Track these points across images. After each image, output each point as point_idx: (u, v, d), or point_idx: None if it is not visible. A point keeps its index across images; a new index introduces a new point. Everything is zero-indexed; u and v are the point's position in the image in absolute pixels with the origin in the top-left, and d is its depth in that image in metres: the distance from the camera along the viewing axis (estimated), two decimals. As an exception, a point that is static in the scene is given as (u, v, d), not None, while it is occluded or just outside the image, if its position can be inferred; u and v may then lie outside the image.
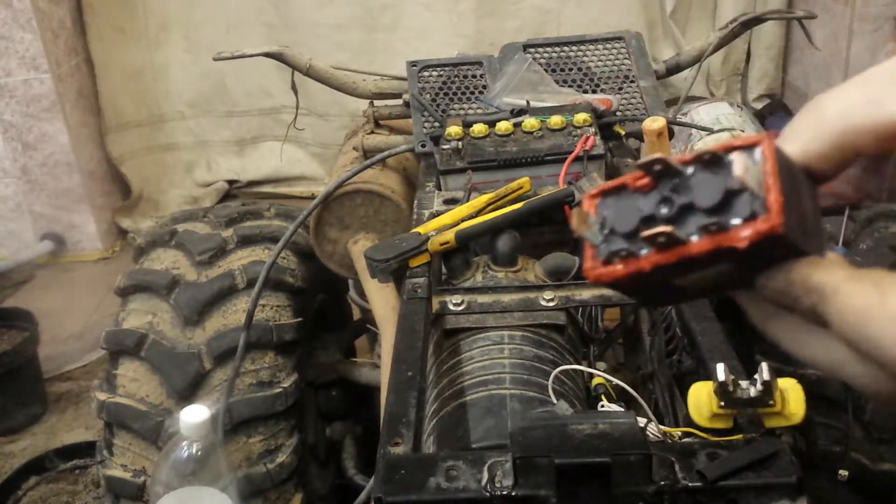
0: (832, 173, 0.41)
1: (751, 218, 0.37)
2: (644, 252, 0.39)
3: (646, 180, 0.39)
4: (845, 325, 0.37)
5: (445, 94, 1.58)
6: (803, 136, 0.40)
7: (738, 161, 0.37)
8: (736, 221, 0.37)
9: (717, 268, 0.39)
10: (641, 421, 0.72)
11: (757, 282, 0.40)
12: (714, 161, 0.38)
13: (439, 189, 1.36)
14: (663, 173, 0.39)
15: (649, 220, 0.39)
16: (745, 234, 0.36)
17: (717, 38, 1.69)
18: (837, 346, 0.39)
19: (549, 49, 1.65)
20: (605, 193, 0.41)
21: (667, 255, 0.38)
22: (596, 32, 1.69)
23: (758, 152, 0.37)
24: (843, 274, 0.38)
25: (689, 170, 0.39)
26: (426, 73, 1.61)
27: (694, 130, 2.55)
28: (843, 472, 1.23)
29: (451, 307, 1.05)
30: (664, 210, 0.39)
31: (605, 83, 1.57)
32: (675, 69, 1.73)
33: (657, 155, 0.39)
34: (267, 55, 1.65)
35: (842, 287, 0.37)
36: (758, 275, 0.40)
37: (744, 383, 0.70)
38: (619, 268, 0.40)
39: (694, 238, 0.38)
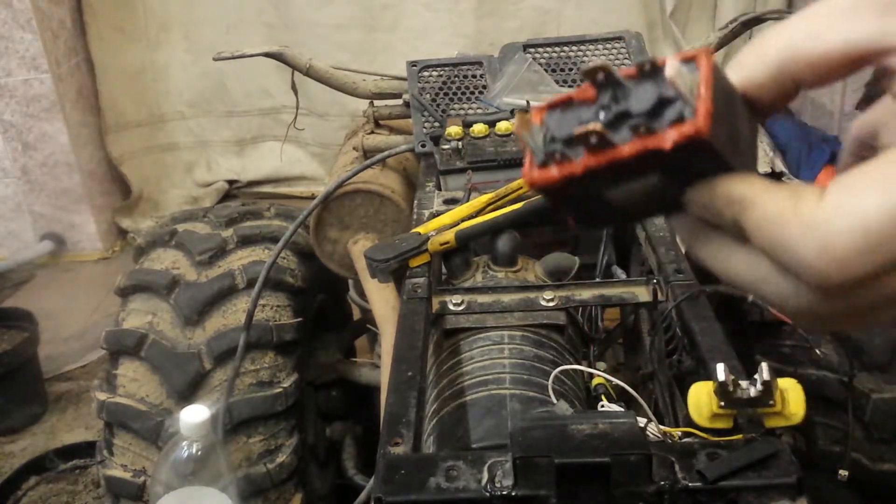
0: (771, 103, 0.42)
1: (679, 122, 0.38)
2: (578, 157, 0.40)
3: (590, 93, 0.41)
4: (762, 233, 0.37)
5: (445, 94, 1.58)
6: (745, 66, 0.41)
7: (671, 67, 0.38)
8: (665, 126, 0.38)
9: (647, 179, 0.40)
10: (641, 421, 0.72)
11: (684, 197, 0.41)
12: (654, 72, 0.39)
13: (439, 189, 1.36)
14: (605, 83, 0.40)
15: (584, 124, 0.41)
16: (670, 136, 0.37)
17: (717, 38, 1.69)
18: (760, 261, 0.39)
19: (549, 49, 1.65)
20: (551, 106, 0.42)
21: (597, 158, 0.39)
22: (596, 32, 1.69)
23: (694, 65, 0.39)
24: (762, 185, 0.38)
25: (631, 82, 0.40)
26: (426, 73, 1.61)
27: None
28: (843, 472, 1.23)
29: (451, 307, 1.05)
30: (601, 116, 0.40)
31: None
32: (675, 69, 1.73)
33: (600, 62, 0.40)
34: (267, 55, 1.65)
35: (759, 196, 0.38)
36: (685, 191, 0.41)
37: (744, 383, 0.70)
38: (552, 171, 0.40)
39: (624, 141, 0.39)
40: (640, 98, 0.39)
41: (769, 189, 0.38)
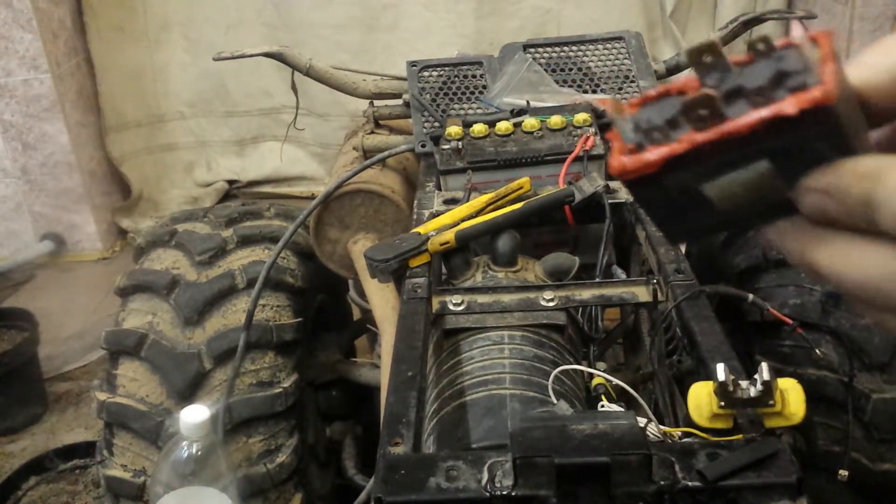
0: (889, 112, 0.38)
1: (801, 89, 0.33)
2: (680, 135, 0.35)
3: (693, 83, 0.36)
4: (885, 196, 0.33)
5: (445, 94, 1.58)
6: (867, 65, 0.37)
7: (797, 37, 0.35)
8: (786, 94, 0.34)
9: (756, 166, 0.35)
10: (641, 421, 0.72)
11: (801, 185, 0.36)
12: (769, 51, 0.35)
13: (439, 189, 1.36)
14: (712, 66, 0.36)
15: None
16: (795, 101, 0.33)
17: (717, 38, 1.69)
18: (890, 253, 0.35)
19: (549, 49, 1.65)
20: (647, 99, 0.37)
21: (707, 133, 0.34)
22: (596, 32, 1.69)
23: (815, 43, 0.35)
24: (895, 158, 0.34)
25: (741, 66, 0.36)
26: (426, 73, 1.61)
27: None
28: (843, 472, 1.23)
29: (451, 307, 1.05)
30: (715, 88, 0.35)
31: (605, 83, 1.58)
32: (675, 69, 1.73)
33: (708, 40, 0.36)
34: (267, 55, 1.65)
35: (881, 162, 0.33)
36: (797, 182, 0.36)
37: (744, 383, 0.70)
38: (650, 154, 0.35)
39: (737, 114, 0.34)
40: (756, 73, 0.35)
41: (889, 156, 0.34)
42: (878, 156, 0.35)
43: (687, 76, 0.37)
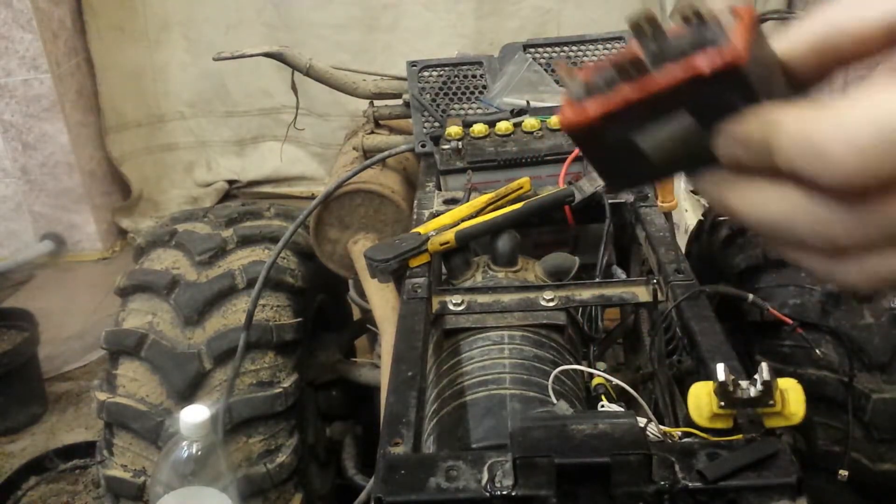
0: (810, 76, 0.42)
1: (715, 50, 0.38)
2: (615, 90, 0.40)
3: (634, 50, 0.41)
4: (793, 142, 0.37)
5: (445, 94, 1.58)
6: (788, 36, 0.41)
7: (716, 4, 0.40)
8: (700, 55, 0.38)
9: (679, 120, 0.40)
10: (641, 421, 0.72)
11: (716, 133, 0.40)
12: (698, 20, 0.39)
13: (439, 189, 1.36)
14: (650, 34, 0.40)
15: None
16: (707, 61, 0.37)
17: (653, 11, 1.69)
18: (791, 194, 0.39)
19: (549, 49, 1.65)
20: (596, 68, 0.42)
21: (635, 88, 0.39)
22: (596, 32, 1.69)
23: (734, 15, 0.39)
24: (795, 106, 0.38)
25: (673, 34, 0.40)
26: (426, 73, 1.61)
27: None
28: (843, 472, 1.23)
29: (451, 307, 1.05)
30: (646, 52, 0.40)
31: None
32: (675, 69, 1.73)
33: (647, 12, 0.40)
34: (267, 55, 1.65)
35: (791, 112, 0.37)
36: (712, 128, 0.40)
37: (744, 383, 0.70)
38: (589, 107, 0.40)
39: (659, 71, 0.39)
40: (682, 39, 0.39)
41: (801, 105, 0.38)
42: (779, 105, 0.38)
43: (629, 45, 0.41)
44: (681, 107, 0.39)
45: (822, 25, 0.40)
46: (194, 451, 1.11)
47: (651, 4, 3.30)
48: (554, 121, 1.34)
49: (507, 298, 1.06)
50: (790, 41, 0.41)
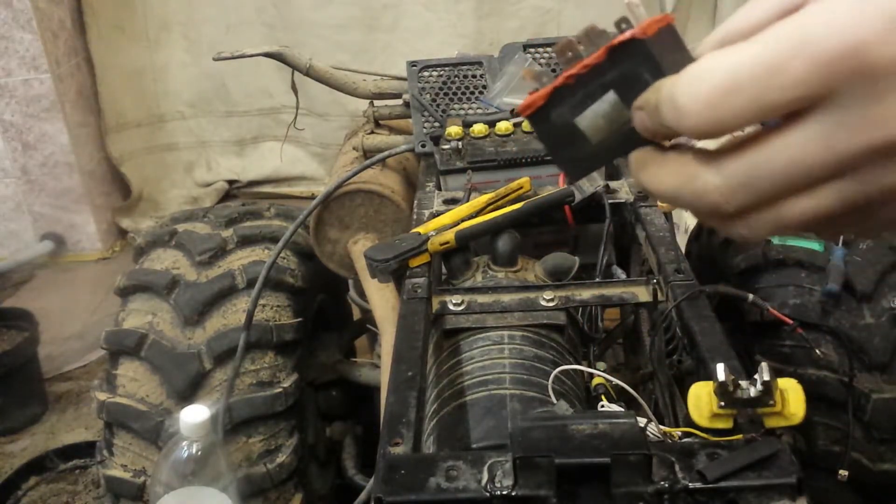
0: None
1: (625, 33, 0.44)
2: (560, 73, 0.46)
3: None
4: (662, 102, 0.41)
5: (445, 94, 1.58)
6: (702, 43, 0.45)
7: (630, 5, 0.46)
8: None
9: (607, 98, 0.45)
10: (641, 421, 0.72)
11: (633, 107, 0.44)
12: (625, 25, 0.45)
13: (439, 189, 1.36)
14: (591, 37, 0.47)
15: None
16: (618, 38, 0.44)
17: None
18: (682, 164, 0.43)
19: (549, 49, 1.65)
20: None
21: (570, 69, 0.46)
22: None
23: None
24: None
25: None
26: (426, 73, 1.61)
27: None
28: (843, 472, 1.23)
29: (451, 307, 1.05)
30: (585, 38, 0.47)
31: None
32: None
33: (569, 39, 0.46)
34: (267, 55, 1.65)
35: (672, 77, 0.41)
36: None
37: (744, 383, 0.70)
38: (538, 91, 0.47)
39: (591, 50, 0.45)
40: (609, 35, 0.46)
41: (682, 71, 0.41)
42: (677, 74, 0.42)
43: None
44: (606, 87, 0.45)
45: (723, 29, 0.44)
46: (194, 451, 1.11)
47: (651, 5, 3.30)
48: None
49: (507, 298, 1.06)
50: (702, 46, 0.44)
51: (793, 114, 0.38)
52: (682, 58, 0.44)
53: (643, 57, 0.43)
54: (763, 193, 0.40)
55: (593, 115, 0.46)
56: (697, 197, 0.42)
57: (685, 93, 0.39)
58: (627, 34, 0.44)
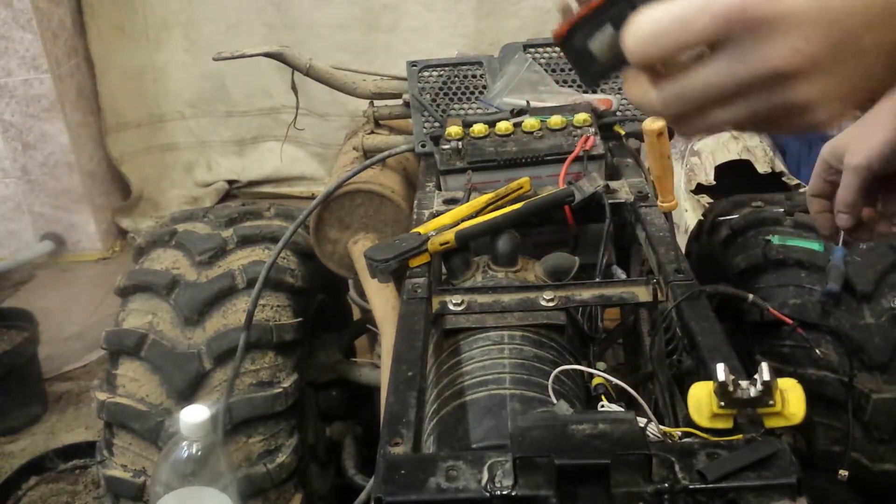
0: None
1: None
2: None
3: None
4: (627, 39, 0.53)
5: (445, 94, 1.58)
6: None
7: None
8: None
9: (607, 29, 0.58)
10: (641, 421, 0.72)
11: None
12: None
13: (439, 189, 1.36)
14: None
15: None
16: None
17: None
18: (643, 82, 0.55)
19: (549, 49, 1.65)
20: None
21: (582, 8, 0.59)
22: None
23: None
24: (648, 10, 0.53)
25: None
26: (426, 73, 1.61)
27: (694, 130, 2.54)
28: (843, 473, 1.23)
29: (451, 307, 1.05)
30: None
31: (606, 83, 1.57)
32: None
33: None
34: (267, 55, 1.65)
35: (630, 22, 0.53)
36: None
37: (744, 383, 0.70)
38: (563, 25, 0.60)
39: None
40: None
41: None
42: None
43: None
44: (606, 21, 0.58)
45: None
46: (194, 451, 1.11)
47: (651, 4, 3.30)
48: (554, 121, 1.34)
49: (507, 298, 1.06)
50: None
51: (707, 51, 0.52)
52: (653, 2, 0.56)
53: (627, 1, 0.56)
54: (689, 106, 0.54)
55: (599, 41, 0.59)
56: (647, 106, 0.56)
57: (630, 34, 0.53)
58: None
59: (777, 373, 0.70)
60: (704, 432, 0.73)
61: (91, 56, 3.28)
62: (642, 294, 1.08)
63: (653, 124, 0.97)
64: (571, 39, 0.61)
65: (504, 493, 0.64)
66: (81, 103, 3.24)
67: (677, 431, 0.78)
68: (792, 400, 0.70)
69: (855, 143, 0.84)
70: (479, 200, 1.18)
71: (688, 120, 0.56)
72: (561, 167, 1.28)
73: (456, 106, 1.56)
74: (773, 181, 2.48)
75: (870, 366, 1.28)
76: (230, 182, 3.67)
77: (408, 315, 0.99)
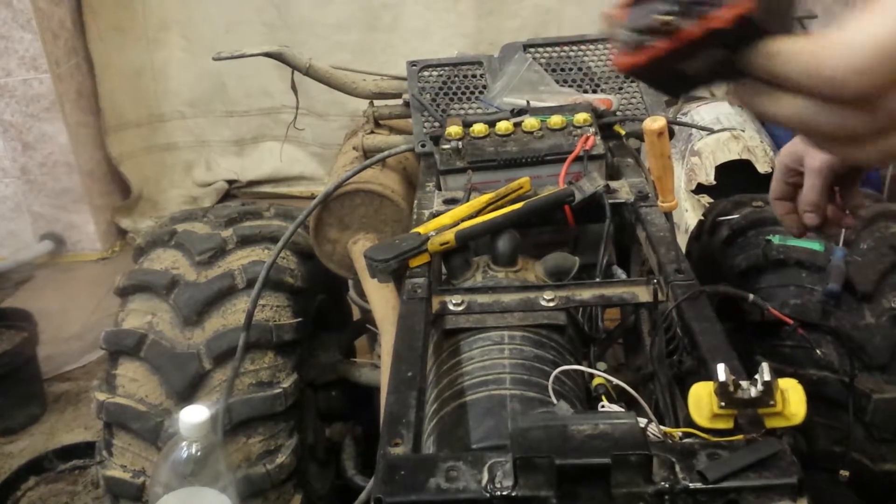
0: None
1: (733, 6, 0.50)
2: (656, 42, 0.53)
3: None
4: (798, 69, 0.49)
5: (445, 94, 1.58)
6: None
7: None
8: (721, 8, 0.50)
9: (713, 51, 0.53)
10: (642, 421, 0.72)
11: (738, 60, 0.53)
12: None
13: (439, 189, 1.35)
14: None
15: (659, 17, 0.53)
16: (726, 14, 0.50)
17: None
18: (799, 100, 0.51)
19: (549, 49, 1.65)
20: (630, 5, 0.55)
21: (673, 41, 0.52)
22: (596, 32, 1.68)
23: None
24: (794, 38, 0.50)
25: None
26: (426, 73, 1.61)
27: (694, 130, 2.55)
28: (844, 473, 1.23)
29: (451, 307, 1.05)
30: (674, 7, 0.52)
31: (606, 83, 1.57)
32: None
33: None
34: (267, 55, 1.65)
35: (792, 44, 0.50)
36: (742, 57, 0.53)
37: (744, 383, 0.70)
38: (639, 56, 0.54)
39: (690, 25, 0.51)
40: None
41: (798, 38, 0.50)
42: (782, 39, 0.51)
43: None
44: (712, 44, 0.52)
45: None
46: (194, 451, 1.11)
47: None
48: (554, 121, 1.34)
49: (507, 298, 1.06)
50: None
51: None
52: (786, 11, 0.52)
53: (750, 23, 0.51)
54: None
55: (697, 63, 0.54)
56: (827, 127, 0.51)
57: (841, 67, 0.47)
58: (734, 10, 0.50)
59: (777, 373, 0.70)
60: (705, 432, 0.73)
61: (91, 56, 3.28)
62: (643, 294, 1.08)
63: (653, 124, 0.97)
64: (658, 68, 0.55)
65: (504, 493, 0.64)
66: (81, 103, 3.24)
67: (678, 432, 0.77)
68: (792, 400, 0.70)
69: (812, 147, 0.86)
70: (479, 200, 1.18)
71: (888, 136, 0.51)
72: (561, 167, 1.28)
73: (456, 106, 1.56)
74: (773, 181, 2.47)
75: (870, 366, 1.28)
76: (230, 182, 3.67)
77: (408, 315, 0.99)
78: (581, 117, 1.34)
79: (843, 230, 1.34)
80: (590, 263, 1.19)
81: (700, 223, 1.72)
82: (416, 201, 1.33)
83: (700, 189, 2.50)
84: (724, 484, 0.64)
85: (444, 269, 1.17)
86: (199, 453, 1.11)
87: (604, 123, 1.41)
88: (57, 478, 2.13)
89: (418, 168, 1.54)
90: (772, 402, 0.69)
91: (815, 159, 0.87)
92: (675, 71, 0.54)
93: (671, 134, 1.30)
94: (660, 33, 0.52)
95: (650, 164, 1.04)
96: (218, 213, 1.65)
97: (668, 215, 1.16)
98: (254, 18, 3.40)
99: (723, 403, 0.70)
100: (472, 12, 3.29)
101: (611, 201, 1.22)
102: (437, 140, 1.38)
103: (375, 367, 1.68)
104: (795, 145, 0.91)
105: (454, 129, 1.34)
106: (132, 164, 3.46)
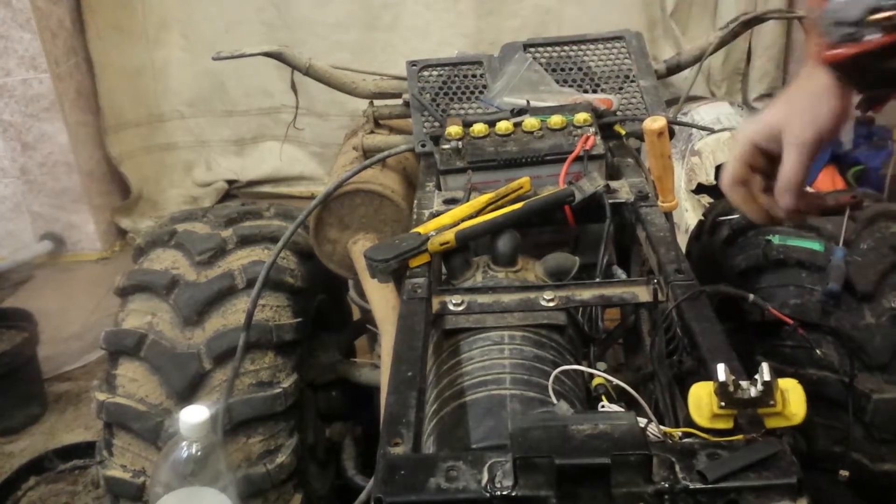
0: None
1: None
2: (870, 36, 0.51)
3: None
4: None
5: (445, 93, 1.58)
6: None
7: None
8: None
9: None
10: (642, 421, 0.72)
11: None
12: None
13: (439, 189, 1.35)
14: None
15: (875, 10, 0.51)
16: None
17: (718, 38, 1.69)
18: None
19: (549, 49, 1.65)
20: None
21: (892, 36, 0.51)
22: (596, 32, 1.69)
23: None
24: None
25: None
26: (426, 73, 1.61)
27: (694, 130, 2.55)
28: (844, 473, 1.23)
29: (451, 307, 1.05)
30: (892, 2, 0.50)
31: (606, 83, 1.57)
32: (675, 69, 1.73)
33: None
34: (266, 55, 1.65)
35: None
36: None
37: (744, 384, 0.70)
38: (848, 49, 0.53)
39: None
40: None
41: None
42: None
43: None
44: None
45: None
46: (194, 451, 1.11)
47: (652, 4, 3.30)
48: (554, 120, 1.34)
49: (507, 298, 1.06)
50: None
51: None
52: None
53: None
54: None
55: None
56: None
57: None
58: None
59: (777, 373, 0.70)
60: (705, 432, 0.73)
61: (90, 55, 3.27)
62: (643, 294, 1.08)
63: (653, 124, 0.97)
64: (868, 63, 0.54)
65: (504, 493, 0.64)
66: (80, 103, 3.24)
67: (678, 431, 0.77)
68: (792, 400, 0.70)
69: (796, 121, 0.81)
70: (479, 200, 1.18)
71: None
72: (561, 167, 1.28)
73: (456, 105, 1.56)
74: (773, 181, 2.47)
75: (870, 366, 1.28)
76: (229, 182, 3.67)
77: (408, 315, 0.99)
78: (581, 117, 1.34)
79: (843, 230, 1.34)
80: (590, 263, 1.19)
81: (700, 223, 1.72)
82: (416, 201, 1.33)
83: (700, 189, 2.50)
84: (724, 484, 0.64)
85: (444, 269, 1.17)
86: (199, 453, 1.11)
87: (604, 123, 1.41)
88: (57, 478, 2.13)
89: (418, 168, 1.54)
90: (772, 402, 0.69)
91: (803, 131, 0.81)
92: (879, 68, 0.53)
93: (671, 134, 1.30)
94: (876, 27, 0.51)
95: (650, 164, 1.04)
96: (218, 213, 1.65)
97: (668, 215, 1.16)
98: (253, 18, 3.40)
99: (723, 403, 0.70)
100: (472, 12, 3.29)
101: (611, 201, 1.22)
102: (437, 140, 1.38)
103: (375, 367, 1.68)
104: (765, 124, 0.86)
105: (454, 129, 1.34)
106: (132, 164, 3.45)
